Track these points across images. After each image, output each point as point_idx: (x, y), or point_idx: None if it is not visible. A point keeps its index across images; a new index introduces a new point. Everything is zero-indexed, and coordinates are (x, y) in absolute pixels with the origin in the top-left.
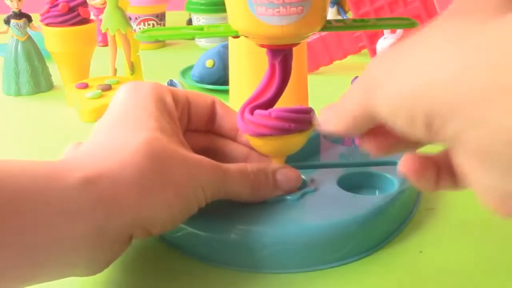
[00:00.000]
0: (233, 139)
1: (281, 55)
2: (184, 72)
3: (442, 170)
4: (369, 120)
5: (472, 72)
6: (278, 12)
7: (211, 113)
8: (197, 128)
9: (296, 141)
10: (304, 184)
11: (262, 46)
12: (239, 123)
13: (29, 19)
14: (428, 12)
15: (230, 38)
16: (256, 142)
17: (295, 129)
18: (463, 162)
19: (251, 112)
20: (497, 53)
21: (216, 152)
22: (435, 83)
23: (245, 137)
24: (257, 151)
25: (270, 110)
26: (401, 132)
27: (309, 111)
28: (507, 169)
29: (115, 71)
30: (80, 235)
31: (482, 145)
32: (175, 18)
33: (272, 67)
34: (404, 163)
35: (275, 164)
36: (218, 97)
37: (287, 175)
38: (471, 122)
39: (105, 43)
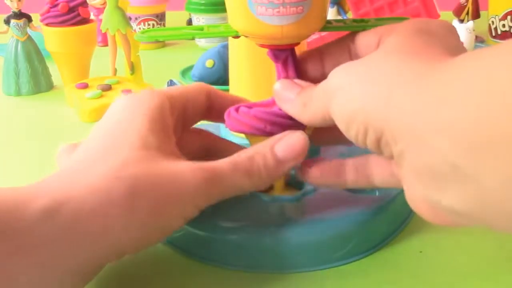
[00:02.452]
0: None
1: (283, 56)
2: (184, 72)
3: (359, 173)
4: (329, 123)
5: (420, 109)
6: (278, 12)
7: (208, 106)
8: (195, 121)
9: None
10: (304, 184)
11: (262, 46)
12: (225, 117)
13: (29, 19)
14: (428, 12)
15: (230, 38)
16: (255, 141)
17: (270, 132)
18: (404, 174)
19: (237, 109)
20: (443, 95)
21: (216, 151)
22: (390, 107)
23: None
24: None
25: (253, 108)
26: (353, 140)
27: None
28: (438, 184)
29: (115, 71)
30: (38, 270)
31: (420, 164)
32: (175, 18)
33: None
34: (303, 170)
35: (272, 138)
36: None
37: (288, 144)
38: (413, 145)
39: (105, 43)
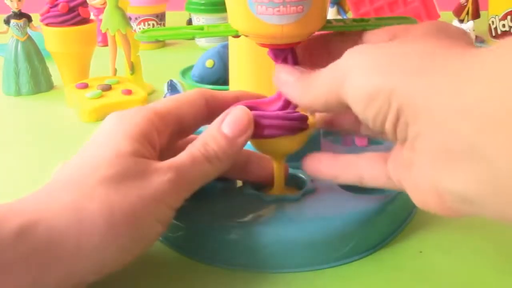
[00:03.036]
0: None
1: (283, 55)
2: (184, 72)
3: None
4: (338, 106)
5: (443, 91)
6: (278, 11)
7: (206, 113)
8: (195, 129)
9: (296, 142)
10: (304, 184)
11: (262, 45)
12: None
13: (29, 19)
14: (428, 12)
15: (230, 38)
16: (255, 142)
17: (269, 135)
18: (416, 158)
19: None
20: (468, 77)
21: None
22: (414, 86)
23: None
24: (257, 150)
25: (252, 112)
26: (365, 121)
27: (300, 118)
28: (452, 166)
29: (115, 71)
30: None
31: (436, 145)
32: (175, 18)
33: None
34: (307, 163)
35: (217, 119)
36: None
37: (231, 121)
38: (432, 126)
39: (105, 43)
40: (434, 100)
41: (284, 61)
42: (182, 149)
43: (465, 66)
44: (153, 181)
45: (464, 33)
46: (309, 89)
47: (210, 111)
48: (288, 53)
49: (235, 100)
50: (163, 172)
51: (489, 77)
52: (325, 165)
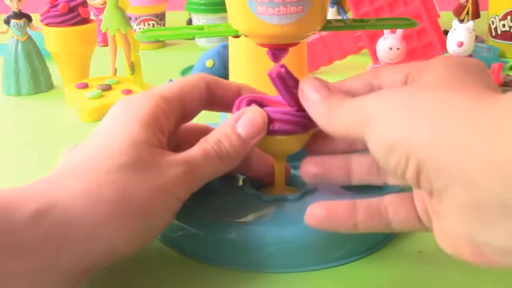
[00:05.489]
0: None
1: (282, 56)
2: (184, 72)
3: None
4: (357, 139)
5: (468, 144)
6: (279, 11)
7: (210, 96)
8: (195, 114)
9: (299, 141)
10: (304, 184)
11: (262, 45)
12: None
13: (29, 19)
14: (428, 12)
15: (230, 38)
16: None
17: (278, 130)
18: (445, 211)
19: (244, 103)
20: (495, 132)
21: None
22: (436, 142)
23: None
24: (260, 149)
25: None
26: (385, 169)
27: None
28: (485, 222)
29: (115, 71)
30: (27, 273)
31: (467, 201)
32: (175, 18)
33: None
34: (304, 166)
35: (231, 118)
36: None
37: (247, 121)
38: (459, 182)
39: (105, 43)
40: (459, 154)
41: (281, 77)
42: (185, 135)
43: (493, 118)
44: (166, 173)
45: (483, 67)
46: (333, 117)
47: (211, 97)
48: (283, 68)
49: (237, 90)
50: (175, 165)
51: None
52: (338, 213)
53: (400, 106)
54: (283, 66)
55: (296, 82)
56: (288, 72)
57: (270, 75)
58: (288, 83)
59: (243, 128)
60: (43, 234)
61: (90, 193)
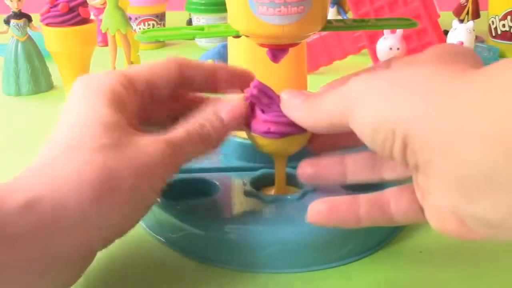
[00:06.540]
0: (207, 90)
1: (282, 56)
2: None
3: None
4: (342, 128)
5: (451, 116)
6: (279, 11)
7: (179, 78)
8: (165, 94)
9: (298, 142)
10: (304, 184)
11: (263, 45)
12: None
13: (29, 19)
14: (428, 12)
15: (230, 38)
16: (261, 140)
17: (274, 132)
18: (430, 186)
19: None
20: (478, 102)
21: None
22: (420, 113)
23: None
24: (259, 150)
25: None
26: (373, 150)
27: None
28: (469, 194)
29: None
30: (22, 263)
31: (450, 174)
32: (175, 18)
33: None
34: (301, 169)
35: (215, 103)
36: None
37: (230, 107)
38: (443, 154)
39: (105, 43)
40: (442, 126)
41: (256, 97)
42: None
43: (476, 90)
44: (149, 152)
45: (471, 52)
46: (315, 113)
47: (184, 77)
48: (255, 88)
49: (211, 69)
50: (159, 145)
51: (501, 100)
52: (339, 208)
53: (380, 84)
54: (255, 85)
55: (274, 93)
56: (261, 90)
57: (245, 100)
58: (264, 100)
59: (225, 112)
60: (34, 223)
61: (76, 177)
